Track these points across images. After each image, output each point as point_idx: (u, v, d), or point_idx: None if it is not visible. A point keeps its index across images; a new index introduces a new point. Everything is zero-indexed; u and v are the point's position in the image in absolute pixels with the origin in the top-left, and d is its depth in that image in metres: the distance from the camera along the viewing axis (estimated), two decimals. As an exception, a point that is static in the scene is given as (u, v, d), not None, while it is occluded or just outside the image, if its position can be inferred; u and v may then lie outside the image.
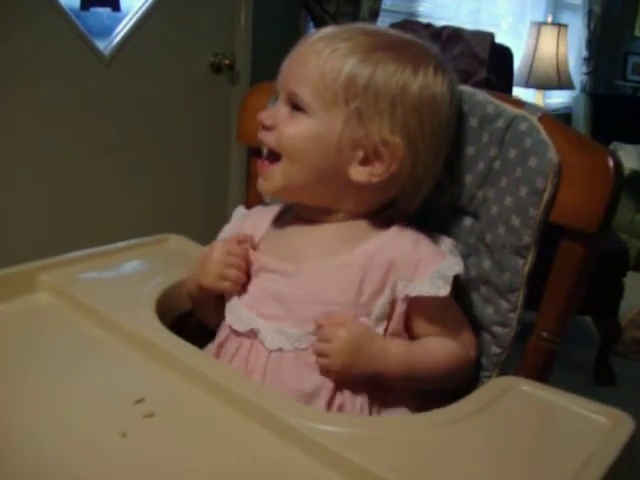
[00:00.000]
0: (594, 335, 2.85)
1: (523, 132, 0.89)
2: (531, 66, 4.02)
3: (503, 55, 2.88)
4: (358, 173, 0.87)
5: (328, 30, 0.90)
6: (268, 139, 0.89)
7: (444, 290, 0.84)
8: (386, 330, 0.87)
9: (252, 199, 1.13)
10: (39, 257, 1.01)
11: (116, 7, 2.13)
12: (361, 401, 0.85)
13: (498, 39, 2.52)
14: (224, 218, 1.04)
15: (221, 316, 0.93)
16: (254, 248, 0.94)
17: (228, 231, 1.01)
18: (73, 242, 1.29)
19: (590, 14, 4.57)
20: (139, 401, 0.74)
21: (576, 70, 4.55)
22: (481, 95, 0.96)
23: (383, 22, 2.87)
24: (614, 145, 3.98)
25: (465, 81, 0.98)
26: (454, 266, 0.86)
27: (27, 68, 1.90)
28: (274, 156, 0.89)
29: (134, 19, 2.15)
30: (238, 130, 1.19)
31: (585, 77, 4.70)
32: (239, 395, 0.74)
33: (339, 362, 0.83)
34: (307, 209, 0.92)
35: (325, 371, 0.84)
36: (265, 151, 0.91)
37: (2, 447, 0.67)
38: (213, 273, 0.91)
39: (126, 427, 0.69)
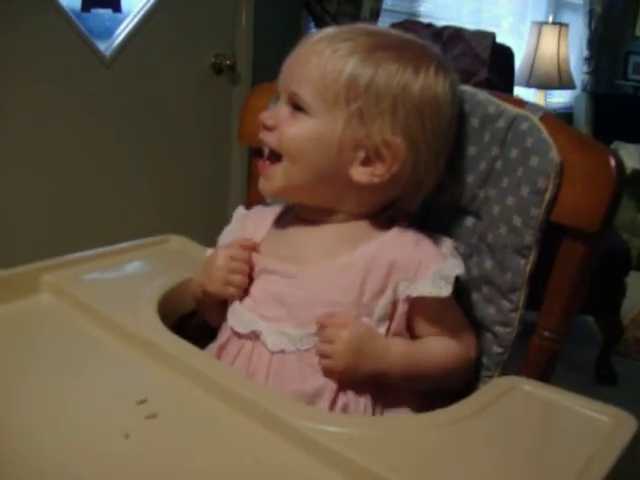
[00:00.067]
0: (596, 335, 2.85)
1: (524, 132, 0.89)
2: (532, 66, 4.02)
3: (504, 55, 2.88)
4: (359, 174, 0.87)
5: (329, 30, 0.90)
6: (269, 139, 0.89)
7: (446, 291, 0.84)
8: (388, 330, 0.87)
9: (253, 199, 1.13)
10: (40, 258, 1.01)
11: (117, 8, 2.13)
12: (364, 401, 0.85)
13: (499, 39, 2.52)
14: (225, 218, 1.04)
15: (225, 316, 0.93)
16: (256, 250, 0.94)
17: (229, 233, 1.01)
18: (75, 243, 1.29)
19: (591, 13, 4.57)
20: (142, 402, 0.74)
21: (577, 69, 4.55)
22: (482, 95, 0.96)
23: (384, 22, 2.87)
24: (615, 144, 3.97)
25: (466, 81, 0.98)
26: (455, 267, 0.86)
27: (28, 69, 1.90)
28: (275, 156, 0.89)
29: (135, 20, 2.15)
30: (239, 130, 1.19)
31: (586, 76, 4.70)
32: (241, 396, 0.74)
33: (342, 363, 0.83)
34: (308, 210, 0.92)
35: (328, 372, 0.84)
36: (266, 151, 0.91)
37: (4, 447, 0.67)
38: (217, 279, 0.92)
39: (129, 428, 0.69)
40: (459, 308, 0.91)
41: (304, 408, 0.77)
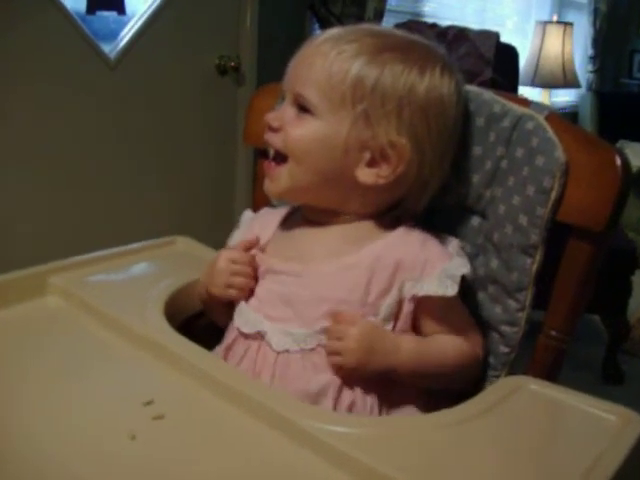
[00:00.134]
0: (602, 334, 2.84)
1: (530, 131, 0.89)
2: (537, 65, 4.02)
3: (508, 54, 2.88)
4: (365, 175, 0.87)
5: (334, 31, 0.90)
6: (275, 140, 0.89)
7: (452, 290, 0.84)
8: (393, 330, 0.87)
9: (259, 200, 1.13)
10: (41, 259, 1.01)
11: (121, 11, 2.13)
12: (370, 401, 0.85)
13: (503, 38, 2.52)
14: (231, 219, 1.05)
15: (231, 317, 0.93)
16: (262, 250, 0.94)
17: (237, 237, 1.01)
18: (79, 246, 1.29)
19: (596, 12, 4.56)
20: (148, 403, 0.74)
21: (582, 68, 4.54)
22: (487, 94, 0.96)
23: (388, 22, 2.87)
24: (621, 143, 3.96)
25: (471, 81, 0.98)
26: (461, 266, 0.86)
27: (33, 71, 1.91)
28: (281, 157, 0.89)
29: (139, 22, 2.16)
30: (245, 132, 1.19)
31: (591, 75, 4.69)
32: (248, 397, 0.74)
33: (353, 360, 0.83)
34: (314, 210, 0.92)
35: (338, 369, 0.84)
36: (271, 152, 0.91)
37: (9, 448, 0.68)
38: (219, 282, 0.92)
39: (135, 429, 0.69)
40: (465, 307, 0.91)
41: (311, 408, 0.77)
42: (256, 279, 0.92)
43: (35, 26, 1.88)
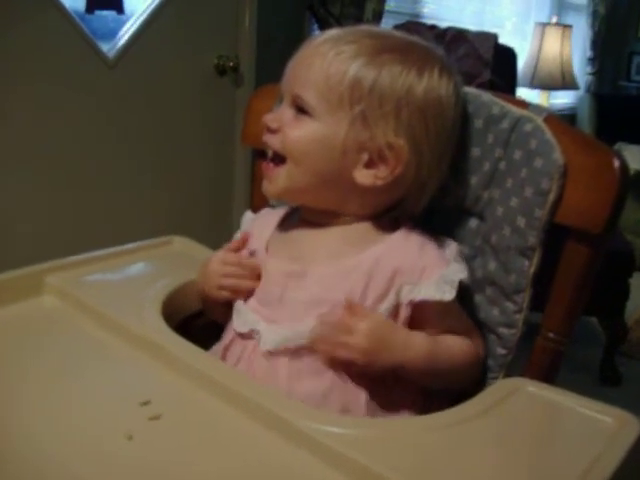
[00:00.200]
0: (600, 336, 2.85)
1: (528, 133, 0.89)
2: (535, 67, 4.02)
3: (507, 56, 2.88)
4: (363, 176, 0.87)
5: (333, 32, 0.90)
6: (273, 142, 0.89)
7: (449, 295, 0.84)
8: None
9: (257, 201, 1.13)
10: (41, 258, 1.01)
11: (120, 10, 2.13)
12: (362, 403, 0.84)
13: (502, 40, 2.52)
14: (229, 220, 1.05)
15: (229, 316, 0.93)
16: (252, 254, 0.94)
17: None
18: (77, 245, 1.29)
19: (594, 15, 4.57)
20: (145, 403, 0.74)
21: (580, 70, 4.55)
22: (486, 96, 0.96)
23: (387, 24, 2.87)
24: (619, 145, 3.97)
25: (469, 82, 0.98)
26: (459, 272, 0.86)
27: (31, 70, 1.90)
28: (279, 159, 0.89)
29: (138, 22, 2.16)
30: (243, 132, 1.19)
31: (590, 77, 4.70)
32: (245, 397, 0.74)
33: (359, 355, 0.82)
34: (313, 212, 0.92)
35: (343, 364, 0.83)
36: (270, 153, 0.91)
37: (7, 448, 0.67)
38: (212, 284, 0.93)
39: (132, 429, 0.69)
40: (463, 311, 0.91)
41: (307, 409, 0.77)
42: (253, 278, 0.92)
43: (34, 25, 1.88)
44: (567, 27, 4.08)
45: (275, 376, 0.86)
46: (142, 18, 2.16)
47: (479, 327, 0.93)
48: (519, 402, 0.80)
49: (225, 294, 0.92)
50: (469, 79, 1.02)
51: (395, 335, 0.84)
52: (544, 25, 4.07)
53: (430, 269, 0.86)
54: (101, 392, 0.77)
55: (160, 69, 2.23)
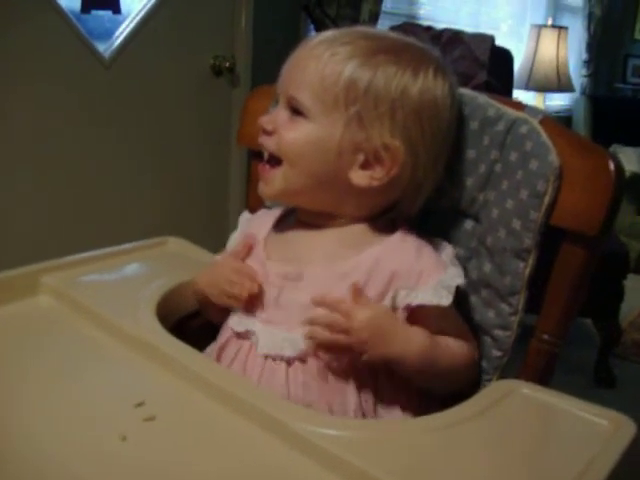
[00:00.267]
0: (594, 337, 2.85)
1: (524, 135, 0.89)
2: (531, 69, 4.03)
3: (503, 58, 2.88)
4: (359, 177, 0.87)
5: (328, 34, 0.89)
6: (268, 144, 0.89)
7: (446, 300, 0.84)
8: None
9: (253, 202, 1.13)
10: (40, 258, 1.01)
11: (117, 10, 2.13)
12: (356, 408, 0.84)
13: (498, 42, 2.52)
14: (225, 220, 1.05)
15: (226, 316, 0.93)
16: (253, 247, 0.94)
17: (235, 239, 1.00)
18: (74, 244, 1.29)
19: (590, 17, 4.58)
20: (139, 404, 0.74)
21: (576, 73, 4.55)
22: (482, 98, 0.96)
23: (383, 25, 2.87)
24: (614, 148, 3.98)
25: (465, 84, 0.98)
26: (456, 277, 0.86)
27: (28, 70, 1.90)
28: (275, 160, 0.89)
29: (134, 22, 2.16)
30: (239, 133, 1.19)
31: (585, 79, 4.70)
32: (240, 399, 0.74)
33: (356, 340, 0.81)
34: (309, 213, 0.92)
35: (340, 348, 0.83)
36: (266, 155, 0.91)
37: (2, 448, 0.67)
38: (220, 290, 0.91)
39: (126, 431, 0.69)
40: (459, 315, 0.91)
41: (302, 411, 0.77)
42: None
43: (30, 25, 1.88)
44: (563, 29, 4.09)
45: (271, 378, 0.85)
46: (138, 18, 2.16)
47: (474, 329, 0.93)
48: (514, 404, 0.80)
49: (233, 303, 0.90)
50: (465, 80, 1.02)
51: (395, 327, 0.84)
52: (540, 27, 4.08)
53: (427, 273, 0.86)
54: (96, 393, 0.77)
55: (156, 69, 2.23)
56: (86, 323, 0.90)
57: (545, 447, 0.73)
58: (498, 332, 0.91)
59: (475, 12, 3.88)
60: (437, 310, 0.85)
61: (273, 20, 2.56)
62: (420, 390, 0.88)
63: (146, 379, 0.81)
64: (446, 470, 0.67)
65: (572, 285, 0.89)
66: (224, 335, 0.92)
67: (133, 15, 2.16)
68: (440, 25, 2.69)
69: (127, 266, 1.06)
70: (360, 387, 0.85)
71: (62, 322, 0.91)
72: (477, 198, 0.95)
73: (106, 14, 2.14)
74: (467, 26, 3.34)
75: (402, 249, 0.88)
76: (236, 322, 0.90)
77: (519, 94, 3.96)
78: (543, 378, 0.90)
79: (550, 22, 4.30)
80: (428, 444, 0.71)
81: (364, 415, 0.84)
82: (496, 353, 0.92)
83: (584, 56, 4.67)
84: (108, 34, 2.13)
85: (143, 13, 2.17)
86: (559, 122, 0.93)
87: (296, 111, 0.87)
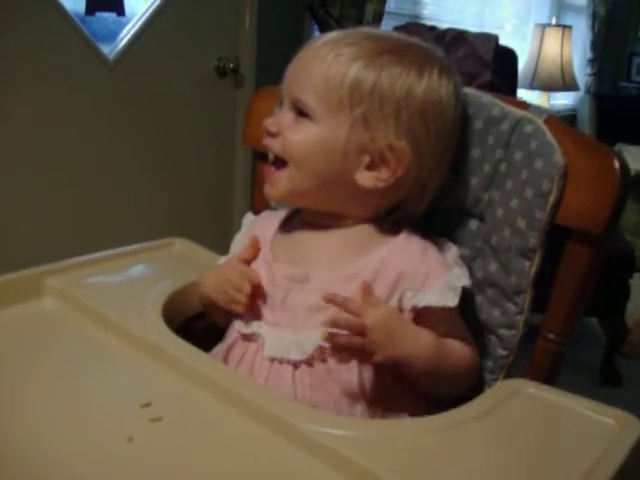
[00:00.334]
0: (600, 337, 2.84)
1: (529, 134, 0.89)
2: (535, 68, 4.02)
3: (507, 57, 2.87)
4: (364, 178, 0.87)
5: (332, 35, 0.89)
6: (273, 145, 0.89)
7: (452, 301, 0.84)
8: None
9: (258, 203, 1.13)
10: (42, 261, 1.01)
11: (121, 12, 2.13)
12: (363, 409, 0.84)
13: (502, 41, 2.52)
14: (229, 221, 1.05)
15: (232, 317, 0.93)
16: (259, 251, 0.94)
17: (239, 241, 1.00)
18: (77, 244, 1.29)
19: (594, 16, 4.57)
20: (146, 405, 0.74)
21: (581, 71, 4.55)
22: (486, 97, 0.96)
23: (387, 25, 2.87)
24: (619, 146, 3.97)
25: (469, 84, 0.98)
26: (462, 277, 0.86)
27: (32, 72, 1.90)
28: (280, 162, 0.89)
29: (139, 24, 2.16)
30: (243, 134, 1.19)
31: (590, 78, 4.70)
32: (246, 399, 0.74)
33: (370, 341, 0.81)
34: (314, 214, 0.92)
35: (354, 350, 0.82)
36: (271, 156, 0.91)
37: (8, 450, 0.67)
38: (226, 295, 0.91)
39: (133, 431, 0.69)
40: (460, 318, 0.90)
41: (308, 411, 0.77)
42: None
43: (34, 27, 1.88)
44: (567, 28, 4.08)
45: (278, 381, 0.86)
46: (142, 20, 2.16)
47: (480, 328, 0.93)
48: (520, 403, 0.80)
49: (239, 309, 0.90)
50: (469, 80, 1.02)
51: (404, 328, 0.84)
52: (544, 26, 4.07)
53: (433, 275, 0.86)
54: (102, 394, 0.77)
55: (160, 71, 2.23)
56: (91, 325, 0.90)
57: (551, 446, 0.73)
58: (504, 331, 0.91)
59: (479, 12, 3.87)
60: (442, 312, 0.85)
61: (277, 21, 2.56)
62: (427, 393, 0.88)
63: (152, 380, 0.81)
64: (452, 470, 0.67)
65: (578, 284, 0.89)
66: (231, 337, 0.92)
67: (137, 17, 2.17)
68: (444, 25, 2.68)
69: (133, 267, 1.06)
70: (367, 390, 0.85)
71: (67, 324, 0.91)
72: (482, 197, 0.95)
73: (110, 16, 2.15)
74: (471, 26, 3.33)
75: (407, 250, 0.88)
76: (242, 324, 0.90)
77: (523, 93, 3.95)
78: (549, 377, 0.90)
79: (554, 21, 4.30)
80: (434, 444, 0.71)
81: (371, 418, 0.84)
82: (502, 352, 0.92)
83: (588, 55, 4.66)
84: (112, 36, 2.13)
85: (147, 15, 2.17)
86: (564, 121, 0.93)
87: (301, 112, 0.87)
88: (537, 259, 0.88)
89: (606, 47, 4.72)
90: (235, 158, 2.53)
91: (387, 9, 2.87)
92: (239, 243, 0.99)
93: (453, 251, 0.91)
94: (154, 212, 2.30)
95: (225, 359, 0.91)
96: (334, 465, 0.66)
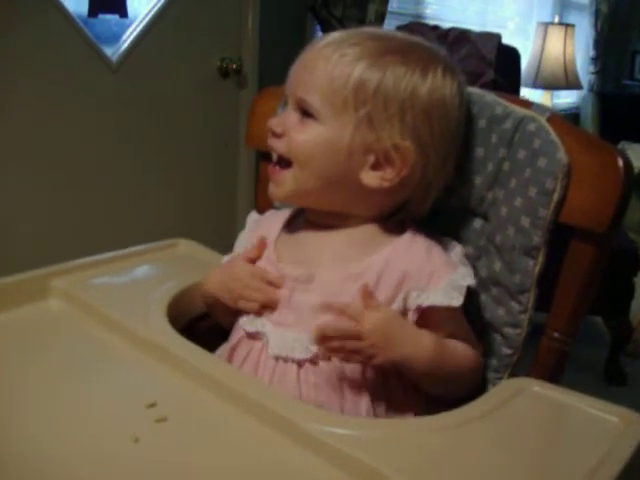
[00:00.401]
0: (605, 335, 2.84)
1: (532, 133, 0.89)
2: (538, 66, 4.02)
3: (510, 56, 2.88)
4: (369, 178, 0.87)
5: (336, 35, 0.89)
6: (278, 146, 0.89)
7: (457, 301, 0.84)
8: None
9: (262, 203, 1.13)
10: (43, 262, 1.01)
11: (124, 13, 2.13)
12: (368, 409, 0.84)
13: (505, 40, 2.52)
14: (233, 221, 1.05)
15: (236, 317, 0.93)
16: (263, 250, 0.94)
17: (243, 239, 1.01)
18: (80, 245, 1.29)
19: (597, 14, 4.56)
20: (151, 406, 0.74)
21: (583, 70, 4.54)
22: (490, 96, 0.96)
23: (389, 25, 2.87)
24: (622, 144, 3.96)
25: (472, 83, 0.98)
26: (467, 277, 0.86)
27: (35, 74, 1.91)
28: (285, 162, 0.89)
29: (141, 25, 2.16)
30: (247, 134, 1.19)
31: (593, 77, 4.69)
32: (251, 399, 0.74)
33: (367, 345, 0.81)
34: (319, 214, 0.92)
35: (350, 357, 0.82)
36: (274, 156, 0.91)
37: (14, 450, 0.68)
38: (233, 293, 0.91)
39: (139, 432, 0.69)
40: (465, 318, 0.90)
41: (313, 410, 0.77)
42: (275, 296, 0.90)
43: (36, 28, 1.88)
44: (570, 26, 4.07)
45: (282, 380, 0.86)
46: (145, 21, 2.17)
47: (484, 327, 0.93)
48: (524, 402, 0.80)
49: (246, 306, 0.90)
50: (472, 79, 1.02)
51: (403, 330, 0.84)
52: (546, 25, 4.07)
53: (438, 274, 0.86)
54: (107, 394, 0.77)
55: (163, 72, 2.23)
56: (97, 325, 0.90)
57: (556, 445, 0.73)
58: (508, 330, 0.91)
59: (482, 11, 3.87)
60: (447, 311, 0.85)
61: (279, 21, 2.56)
62: (429, 394, 0.88)
63: (157, 380, 0.81)
64: (456, 469, 0.67)
65: (582, 282, 0.89)
66: (235, 336, 0.93)
67: (140, 19, 2.17)
68: (447, 24, 2.68)
69: (137, 268, 1.07)
70: (371, 389, 0.85)
71: (73, 325, 0.92)
72: (486, 196, 0.95)
73: (113, 18, 2.15)
74: (474, 25, 3.33)
75: (412, 249, 0.88)
76: (247, 323, 0.90)
77: (526, 92, 3.95)
78: (554, 376, 0.90)
79: (557, 20, 4.29)
80: (439, 443, 0.71)
81: (376, 417, 0.84)
82: (506, 351, 0.92)
83: (591, 53, 4.65)
84: (115, 38, 2.13)
85: (150, 16, 2.17)
86: (567, 119, 0.93)
87: (306, 113, 0.87)
88: (541, 258, 0.88)
89: (609, 45, 4.71)
90: (238, 159, 2.54)
91: (389, 9, 2.87)
92: (243, 242, 1.00)
93: (458, 250, 0.91)
94: (157, 213, 2.30)
95: (230, 358, 0.91)
96: (339, 464, 0.67)
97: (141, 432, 0.69)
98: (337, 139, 0.85)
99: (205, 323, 1.02)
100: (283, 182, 0.89)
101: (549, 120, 0.90)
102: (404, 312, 0.86)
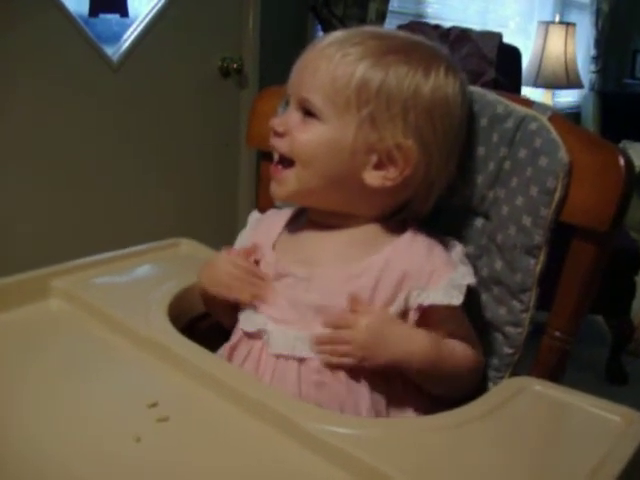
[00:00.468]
0: (606, 334, 2.84)
1: (533, 132, 0.89)
2: (539, 65, 4.01)
3: (511, 55, 2.88)
4: (372, 177, 0.87)
5: (338, 34, 0.89)
6: (281, 145, 0.89)
7: (457, 300, 0.84)
8: None
9: (263, 203, 1.13)
10: (43, 262, 1.01)
11: (124, 13, 2.14)
12: (368, 407, 0.84)
13: (506, 39, 2.51)
14: (234, 221, 1.05)
15: (235, 316, 0.93)
16: (256, 253, 0.94)
17: (244, 238, 1.01)
18: (80, 245, 1.29)
19: (598, 13, 4.56)
20: (153, 405, 0.74)
21: (585, 69, 4.54)
22: (491, 95, 0.96)
23: (390, 24, 2.87)
24: (623, 143, 3.95)
25: (474, 82, 0.98)
26: (467, 276, 0.86)
27: (36, 74, 1.91)
28: (287, 161, 0.88)
29: (142, 25, 2.16)
30: (248, 134, 1.19)
31: (594, 76, 4.69)
32: (252, 398, 0.74)
33: (359, 351, 0.82)
34: (321, 214, 0.92)
35: (343, 360, 0.83)
36: (276, 156, 0.91)
37: (15, 450, 0.68)
38: (219, 284, 0.91)
39: (140, 431, 0.69)
40: (465, 317, 0.90)
41: (314, 410, 0.77)
42: (260, 287, 0.91)
43: (37, 28, 1.88)
44: (571, 25, 4.07)
45: (283, 378, 0.86)
46: (146, 21, 2.17)
47: (485, 326, 0.93)
48: (526, 401, 0.80)
49: (237, 296, 0.90)
50: (474, 78, 1.02)
51: (397, 330, 0.84)
52: (547, 24, 4.06)
53: (438, 273, 0.86)
54: (108, 394, 0.77)
55: (164, 71, 2.24)
56: (98, 325, 0.90)
57: (558, 444, 0.73)
58: (509, 329, 0.91)
59: (483, 10, 3.87)
60: (447, 310, 0.85)
61: (280, 21, 2.56)
62: (430, 394, 0.88)
63: (159, 380, 0.81)
64: (457, 468, 0.67)
65: (583, 281, 0.89)
66: (235, 335, 0.93)
67: (141, 18, 2.17)
68: (448, 23, 2.67)
69: (138, 268, 1.07)
70: (372, 388, 0.85)
71: (73, 325, 0.92)
72: (487, 195, 0.95)
73: (114, 17, 2.15)
74: (475, 24, 3.32)
75: (412, 249, 0.88)
76: (247, 322, 0.90)
77: (527, 91, 3.95)
78: (555, 375, 0.90)
79: (558, 19, 4.29)
80: (439, 442, 0.71)
81: (377, 416, 0.84)
82: (507, 350, 0.92)
83: (592, 52, 4.65)
84: (116, 37, 2.14)
85: (151, 16, 2.17)
86: (568, 118, 0.93)
87: (308, 113, 0.87)
88: (542, 257, 0.88)
89: (610, 44, 4.71)
90: (239, 158, 2.54)
91: (390, 8, 2.87)
92: (244, 240, 0.99)
93: (458, 249, 0.91)
94: (158, 213, 2.30)
95: (230, 357, 0.91)
96: (339, 463, 0.66)
97: (143, 432, 0.69)
98: (340, 139, 0.85)
99: (206, 323, 1.02)
100: (285, 181, 0.89)
101: (550, 119, 0.89)
102: (405, 312, 0.86)
